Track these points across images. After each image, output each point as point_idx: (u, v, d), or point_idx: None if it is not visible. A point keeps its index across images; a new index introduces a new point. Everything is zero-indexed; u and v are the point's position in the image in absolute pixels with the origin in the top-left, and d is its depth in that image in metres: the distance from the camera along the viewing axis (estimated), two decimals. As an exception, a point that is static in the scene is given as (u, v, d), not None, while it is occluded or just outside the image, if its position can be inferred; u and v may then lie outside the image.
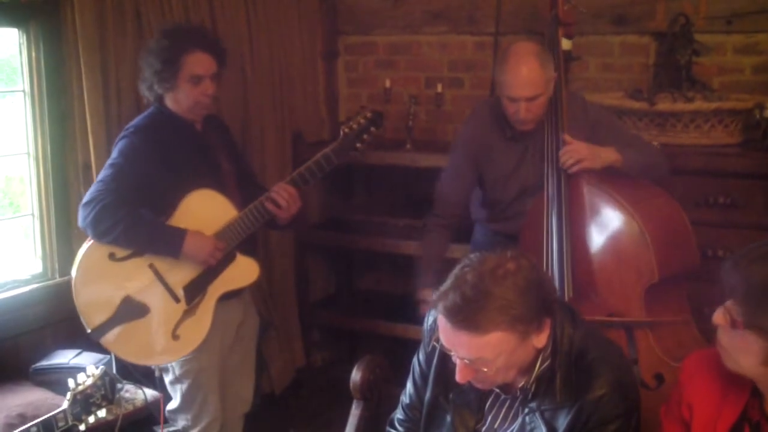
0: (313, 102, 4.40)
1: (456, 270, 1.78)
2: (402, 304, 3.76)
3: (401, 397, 2.11)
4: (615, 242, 2.63)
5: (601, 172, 2.75)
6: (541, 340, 1.78)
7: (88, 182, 3.18)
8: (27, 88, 3.13)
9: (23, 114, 3.15)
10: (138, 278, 2.69)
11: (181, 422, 2.89)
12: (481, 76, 4.12)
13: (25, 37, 3.09)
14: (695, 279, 2.67)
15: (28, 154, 3.17)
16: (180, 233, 2.65)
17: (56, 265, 3.23)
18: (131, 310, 2.68)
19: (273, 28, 3.99)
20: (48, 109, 3.13)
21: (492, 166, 2.97)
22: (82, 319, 2.70)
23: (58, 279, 3.21)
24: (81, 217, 2.65)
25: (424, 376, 2.01)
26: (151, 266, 2.70)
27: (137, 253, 2.68)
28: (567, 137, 2.73)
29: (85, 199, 2.67)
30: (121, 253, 2.68)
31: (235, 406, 3.07)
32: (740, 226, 3.14)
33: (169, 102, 2.78)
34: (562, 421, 1.78)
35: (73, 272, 2.72)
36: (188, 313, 2.71)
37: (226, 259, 2.74)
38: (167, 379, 2.87)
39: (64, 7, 3.08)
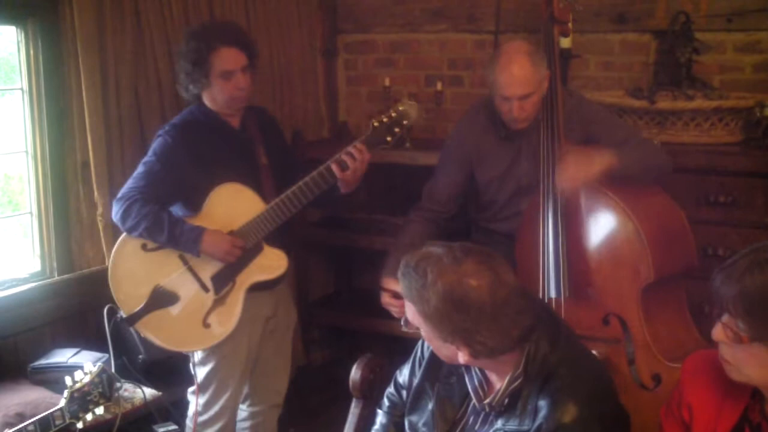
0: (312, 100, 4.40)
1: (458, 244, 1.80)
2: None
3: (396, 373, 2.17)
4: (611, 242, 2.62)
5: None
6: (461, 357, 1.77)
7: (87, 180, 3.19)
8: (25, 86, 3.12)
9: (22, 112, 3.14)
10: (169, 268, 2.76)
11: (193, 407, 2.92)
12: (480, 75, 4.10)
13: (23, 34, 3.09)
14: (695, 278, 2.66)
15: (27, 152, 3.17)
16: (197, 233, 2.69)
17: (54, 264, 3.22)
18: (162, 298, 2.75)
19: (272, 26, 3.99)
20: (46, 107, 3.12)
21: (486, 166, 2.96)
22: (118, 306, 2.76)
23: (56, 277, 3.21)
24: (113, 212, 2.76)
25: (420, 362, 2.04)
26: (180, 256, 2.76)
27: None
28: (564, 147, 2.70)
29: (118, 195, 2.76)
30: (152, 244, 2.75)
31: (268, 397, 3.11)
32: (741, 225, 3.14)
33: (207, 100, 2.83)
34: None
35: (110, 261, 2.80)
36: (218, 302, 2.76)
37: (254, 251, 2.78)
38: (193, 360, 2.91)
39: (63, 4, 3.08)
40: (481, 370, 1.88)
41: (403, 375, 2.13)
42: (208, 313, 2.76)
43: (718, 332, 1.63)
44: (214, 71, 2.73)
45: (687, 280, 2.70)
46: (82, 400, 2.13)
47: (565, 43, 3.55)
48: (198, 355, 2.89)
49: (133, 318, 2.73)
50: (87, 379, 2.15)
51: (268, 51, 3.96)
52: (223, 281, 2.77)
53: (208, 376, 2.89)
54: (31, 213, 3.22)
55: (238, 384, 2.94)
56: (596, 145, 2.79)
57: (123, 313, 2.74)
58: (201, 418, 2.91)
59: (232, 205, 2.77)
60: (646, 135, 3.29)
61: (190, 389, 2.94)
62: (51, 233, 3.21)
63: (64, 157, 3.19)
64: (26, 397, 2.79)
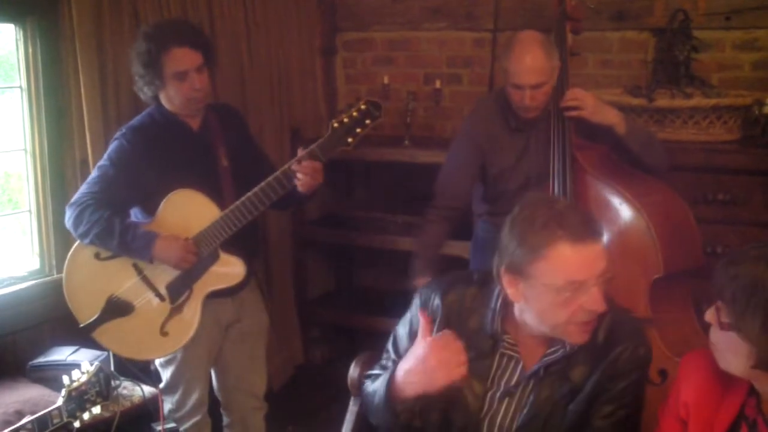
0: (311, 98, 4.40)
1: (534, 211, 1.78)
2: (401, 301, 3.75)
3: (375, 370, 2.14)
4: (621, 236, 2.62)
5: (607, 165, 2.75)
6: None
7: (86, 179, 3.18)
8: (24, 85, 3.12)
9: (20, 110, 3.14)
10: (122, 277, 2.71)
11: (167, 405, 2.93)
12: (479, 73, 4.12)
13: (21, 33, 3.08)
14: (694, 276, 2.67)
15: (26, 150, 3.17)
16: (149, 238, 2.64)
17: (53, 262, 3.23)
18: (117, 308, 2.71)
19: (271, 24, 3.99)
20: (45, 105, 3.12)
21: (496, 156, 2.98)
22: (74, 314, 2.73)
23: (55, 276, 3.21)
24: (66, 217, 2.71)
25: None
26: (134, 266, 2.71)
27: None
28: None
29: (71, 200, 2.71)
30: (105, 252, 2.70)
31: (247, 402, 3.09)
32: (739, 223, 3.14)
33: (164, 101, 2.78)
34: (587, 378, 1.82)
35: (64, 270, 2.76)
36: (175, 310, 2.72)
37: (210, 258, 2.72)
38: (157, 361, 2.90)
39: (62, 3, 3.07)
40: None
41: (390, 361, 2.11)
42: (166, 322, 2.71)
43: (709, 314, 1.67)
44: (167, 72, 2.66)
45: (693, 279, 2.70)
46: (79, 399, 2.13)
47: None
48: (159, 359, 2.88)
49: (89, 328, 2.70)
50: (84, 378, 2.15)
51: (267, 49, 3.97)
52: (179, 290, 2.72)
53: (174, 378, 2.88)
54: (30, 211, 3.22)
55: (204, 382, 2.95)
56: (599, 146, 2.82)
57: (79, 323, 2.71)
58: (176, 415, 2.92)
59: (186, 212, 2.70)
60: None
61: (160, 387, 2.91)
62: (50, 231, 3.21)
63: (62, 155, 3.19)
64: (25, 394, 2.79)
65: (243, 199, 2.69)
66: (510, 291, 1.84)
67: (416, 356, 1.87)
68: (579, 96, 2.76)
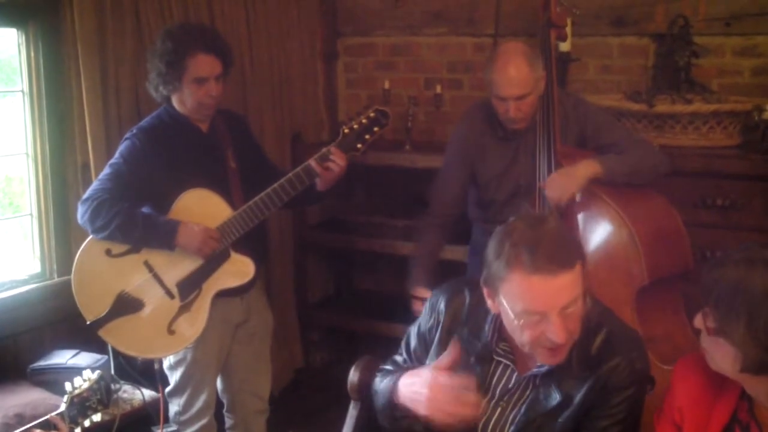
0: (312, 103, 4.41)
1: (515, 228, 1.75)
2: (401, 305, 3.76)
3: (387, 365, 2.19)
4: (605, 245, 2.64)
5: None
6: None
7: (87, 182, 3.18)
8: (26, 89, 3.13)
9: (22, 114, 3.15)
10: (133, 275, 2.73)
11: (174, 407, 2.94)
12: (480, 78, 4.11)
13: (24, 37, 3.09)
14: (692, 281, 2.67)
15: (27, 154, 3.17)
16: (173, 225, 2.68)
17: (54, 266, 3.23)
18: (126, 305, 2.72)
19: (272, 28, 4.00)
20: (47, 109, 3.13)
21: (485, 165, 2.98)
22: (81, 311, 2.74)
23: (56, 279, 3.21)
24: (79, 214, 2.72)
25: (426, 348, 2.07)
26: (146, 263, 2.73)
27: (133, 250, 2.73)
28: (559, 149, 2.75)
29: (83, 196, 2.73)
30: (117, 249, 2.72)
31: (252, 403, 3.10)
32: (738, 228, 3.14)
33: (175, 102, 2.81)
34: (578, 391, 1.81)
35: (73, 267, 2.76)
36: (184, 309, 2.74)
37: (221, 258, 2.75)
38: (165, 363, 2.91)
39: (64, 7, 3.08)
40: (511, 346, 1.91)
41: (405, 355, 2.17)
42: (173, 320, 2.73)
43: (697, 319, 1.67)
44: (188, 76, 2.70)
45: (684, 282, 2.71)
46: (81, 405, 2.14)
47: (564, 46, 3.56)
48: (170, 359, 2.88)
49: (97, 324, 2.71)
50: (86, 385, 2.16)
51: (268, 53, 3.97)
52: (189, 288, 2.74)
53: (183, 379, 2.89)
54: (31, 215, 3.23)
55: (212, 384, 2.96)
56: (584, 152, 2.81)
57: (86, 320, 2.72)
58: (182, 418, 2.93)
59: (199, 211, 2.73)
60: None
61: (167, 389, 2.94)
62: (51, 235, 3.22)
63: (64, 158, 3.20)
64: (25, 398, 2.80)
65: (257, 198, 2.74)
66: (488, 302, 1.86)
67: (421, 378, 1.91)
68: (554, 198, 2.69)
